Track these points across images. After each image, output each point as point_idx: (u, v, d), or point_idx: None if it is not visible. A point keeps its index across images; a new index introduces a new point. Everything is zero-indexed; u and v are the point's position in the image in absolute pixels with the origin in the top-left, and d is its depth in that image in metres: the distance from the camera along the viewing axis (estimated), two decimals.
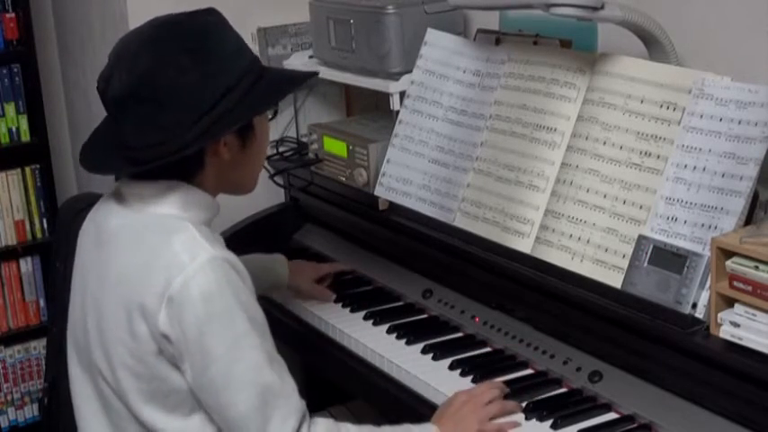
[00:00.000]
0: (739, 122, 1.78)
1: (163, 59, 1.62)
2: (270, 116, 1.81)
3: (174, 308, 1.58)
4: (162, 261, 1.61)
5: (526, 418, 1.82)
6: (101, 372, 1.70)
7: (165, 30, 1.67)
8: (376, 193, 2.36)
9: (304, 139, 2.77)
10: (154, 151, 1.64)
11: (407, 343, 2.11)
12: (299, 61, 2.76)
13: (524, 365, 1.99)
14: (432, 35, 2.35)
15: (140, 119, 1.64)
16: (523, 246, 2.03)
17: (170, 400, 1.65)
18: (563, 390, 1.91)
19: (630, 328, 1.82)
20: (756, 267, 1.61)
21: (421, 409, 1.91)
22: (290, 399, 1.65)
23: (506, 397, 1.87)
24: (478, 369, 1.97)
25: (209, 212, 1.73)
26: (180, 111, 1.62)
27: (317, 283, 2.38)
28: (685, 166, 1.82)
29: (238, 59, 1.68)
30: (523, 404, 1.85)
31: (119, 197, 1.73)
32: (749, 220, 1.76)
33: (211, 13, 1.73)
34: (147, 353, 1.62)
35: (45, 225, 3.25)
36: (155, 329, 1.60)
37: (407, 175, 2.31)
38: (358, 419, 2.18)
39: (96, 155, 1.74)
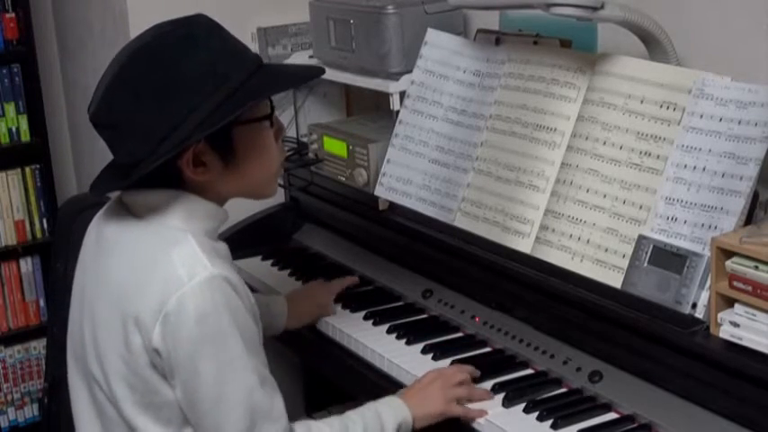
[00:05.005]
0: (739, 122, 1.78)
1: (120, 87, 1.60)
2: (269, 124, 1.70)
3: (169, 325, 1.56)
4: (160, 275, 1.58)
5: (526, 417, 1.82)
6: (96, 380, 1.68)
7: (134, 52, 1.61)
8: (376, 193, 2.36)
9: (304, 139, 2.77)
10: (131, 170, 1.62)
11: (407, 343, 2.11)
12: (299, 61, 2.76)
13: (524, 365, 1.99)
14: (432, 35, 2.34)
15: (108, 142, 1.66)
16: (523, 246, 2.03)
17: (163, 412, 1.64)
18: (563, 390, 1.91)
19: (630, 328, 1.82)
20: (756, 267, 1.61)
21: None
22: (276, 422, 1.64)
23: (508, 395, 1.87)
24: (479, 369, 1.96)
25: (213, 222, 1.69)
26: (135, 137, 1.60)
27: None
28: (685, 166, 1.82)
29: (205, 81, 1.59)
30: (523, 404, 1.85)
31: (122, 204, 1.71)
32: (749, 220, 1.76)
33: (192, 24, 1.64)
34: (140, 365, 1.60)
35: (45, 225, 3.25)
36: (148, 343, 1.58)
37: (407, 175, 2.31)
38: None
39: (99, 176, 1.74)
